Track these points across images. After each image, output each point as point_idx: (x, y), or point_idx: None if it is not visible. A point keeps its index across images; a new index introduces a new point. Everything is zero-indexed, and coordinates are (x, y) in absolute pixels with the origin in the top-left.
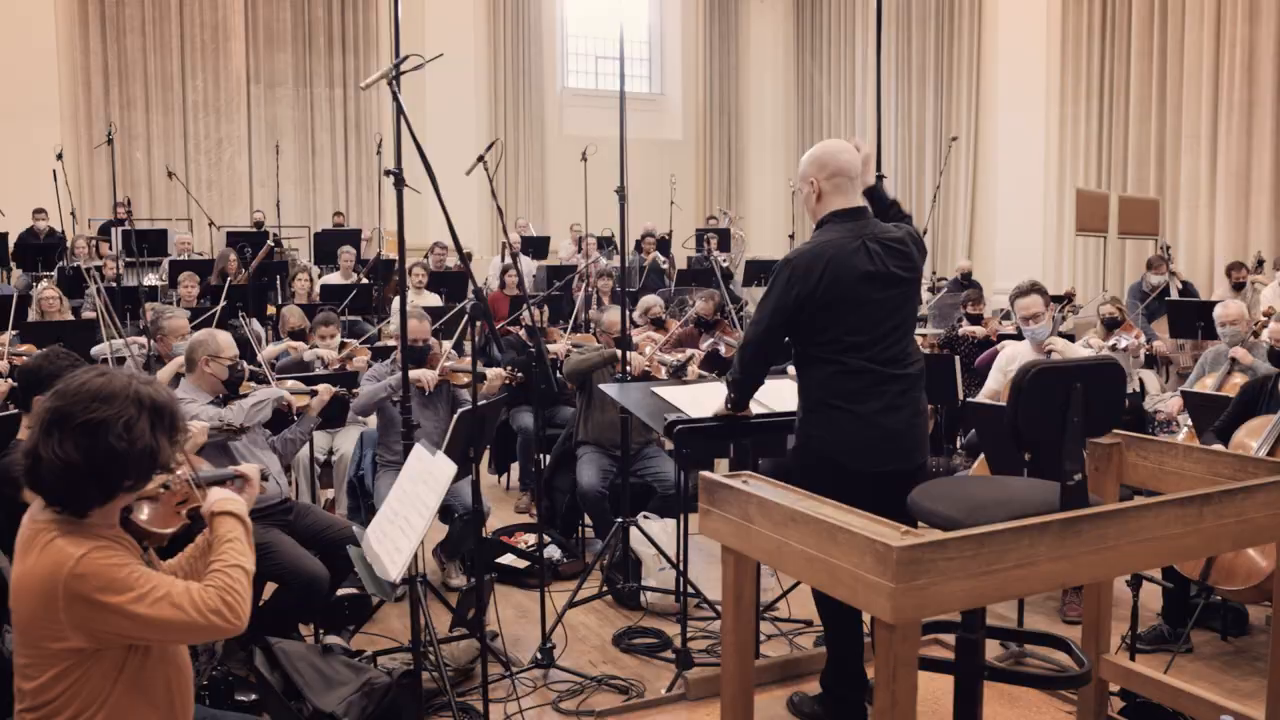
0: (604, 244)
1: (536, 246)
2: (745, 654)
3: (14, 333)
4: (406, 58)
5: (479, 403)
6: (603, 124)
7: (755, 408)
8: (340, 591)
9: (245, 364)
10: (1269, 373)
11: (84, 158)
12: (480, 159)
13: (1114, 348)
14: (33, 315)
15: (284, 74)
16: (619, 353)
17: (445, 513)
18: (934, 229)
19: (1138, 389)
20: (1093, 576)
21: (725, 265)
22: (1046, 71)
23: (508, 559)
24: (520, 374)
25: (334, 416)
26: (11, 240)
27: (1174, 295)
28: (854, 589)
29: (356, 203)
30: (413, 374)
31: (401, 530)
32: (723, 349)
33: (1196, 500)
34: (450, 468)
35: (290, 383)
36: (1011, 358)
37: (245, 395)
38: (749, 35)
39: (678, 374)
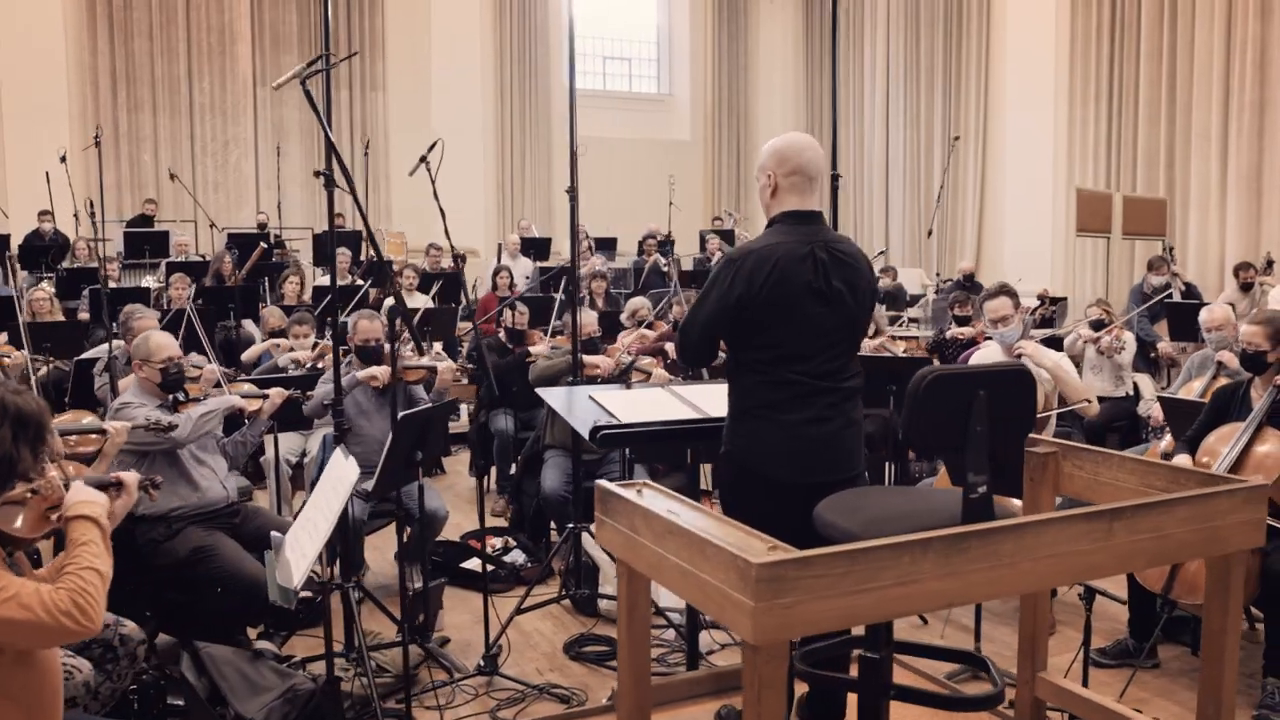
0: (602, 245)
1: (538, 248)
2: (640, 670)
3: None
4: (320, 58)
5: (427, 401)
6: (611, 125)
7: (689, 412)
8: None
9: (183, 365)
10: (1243, 378)
11: (91, 160)
12: (423, 159)
13: (1099, 351)
14: (24, 316)
15: None
16: (582, 358)
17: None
18: (941, 230)
19: (1131, 392)
20: (987, 595)
21: None
22: (1055, 72)
23: (472, 563)
24: (471, 367)
25: (294, 419)
26: (15, 241)
27: (1176, 297)
28: (722, 606)
29: (363, 203)
30: (367, 371)
31: (309, 536)
32: None
33: (1106, 514)
34: (354, 472)
35: (246, 386)
36: (984, 360)
37: (195, 399)
38: (758, 35)
39: (623, 376)
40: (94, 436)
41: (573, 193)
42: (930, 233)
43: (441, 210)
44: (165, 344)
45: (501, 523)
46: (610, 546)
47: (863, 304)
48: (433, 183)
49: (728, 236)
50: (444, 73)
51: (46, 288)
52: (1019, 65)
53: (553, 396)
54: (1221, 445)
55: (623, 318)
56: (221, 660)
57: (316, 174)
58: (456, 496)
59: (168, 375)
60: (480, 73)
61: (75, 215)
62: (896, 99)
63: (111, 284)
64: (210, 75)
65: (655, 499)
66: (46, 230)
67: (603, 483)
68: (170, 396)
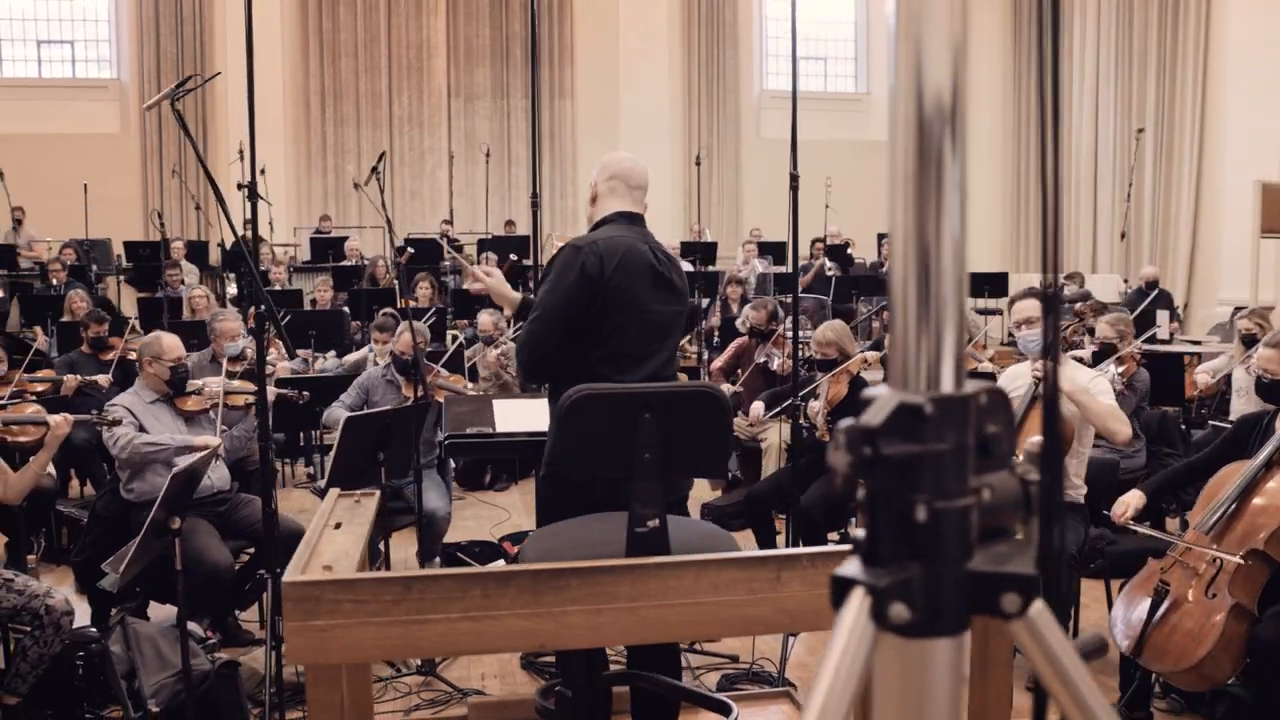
0: (772, 249)
1: (702, 252)
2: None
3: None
4: (190, 78)
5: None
6: (805, 126)
7: (525, 425)
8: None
9: (189, 364)
10: (1265, 408)
11: (302, 172)
12: (374, 169)
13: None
14: (185, 314)
15: (483, 87)
16: None
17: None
18: (1151, 231)
19: None
20: (595, 640)
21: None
22: None
23: (497, 565)
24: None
25: (299, 421)
26: (213, 247)
27: None
28: None
29: (549, 209)
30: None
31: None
32: (775, 363)
33: (774, 561)
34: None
35: (236, 382)
36: (1012, 377)
37: (194, 393)
38: None
39: None
40: (36, 427)
41: (535, 200)
42: (1123, 234)
43: (389, 221)
44: (176, 344)
45: None
46: None
47: (683, 308)
48: (381, 192)
49: None
50: (632, 78)
51: (201, 287)
52: (1242, 47)
53: (458, 404)
54: (1229, 482)
55: (738, 323)
56: (144, 636)
57: (239, 186)
58: (531, 496)
59: (176, 373)
60: (668, 77)
61: (270, 223)
62: (1106, 88)
63: (279, 286)
64: (409, 89)
65: (349, 510)
66: (249, 237)
67: (334, 491)
68: (169, 393)
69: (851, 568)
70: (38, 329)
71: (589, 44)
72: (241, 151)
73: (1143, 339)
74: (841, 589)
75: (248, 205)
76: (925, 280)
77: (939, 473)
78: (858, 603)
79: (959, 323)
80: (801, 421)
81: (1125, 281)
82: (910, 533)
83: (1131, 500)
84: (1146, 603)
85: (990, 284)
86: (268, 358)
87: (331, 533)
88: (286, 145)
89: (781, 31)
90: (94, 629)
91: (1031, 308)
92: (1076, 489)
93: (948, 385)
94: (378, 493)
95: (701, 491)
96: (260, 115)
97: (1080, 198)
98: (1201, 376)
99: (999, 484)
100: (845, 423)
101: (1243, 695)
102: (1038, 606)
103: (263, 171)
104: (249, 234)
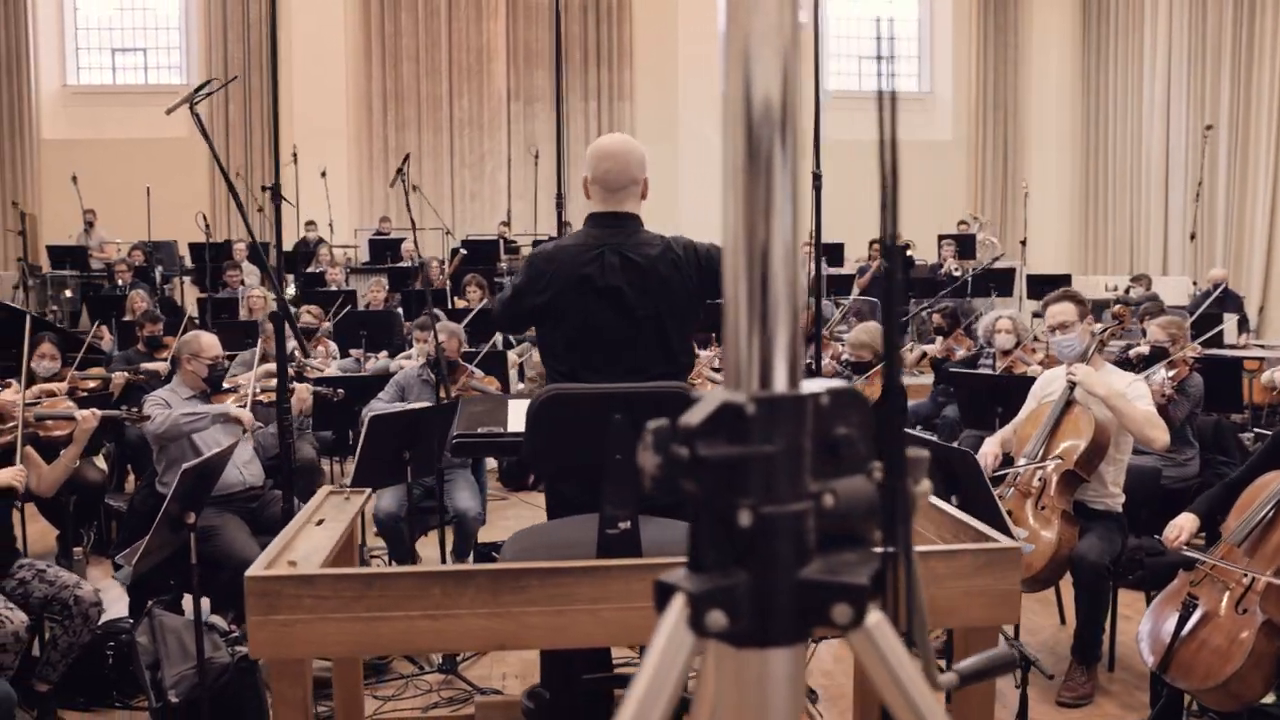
0: (825, 251)
1: None
2: (351, 707)
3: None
4: (208, 82)
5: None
6: (866, 126)
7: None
8: None
9: (226, 363)
10: None
11: (364, 175)
12: (399, 171)
13: None
14: (243, 313)
15: (542, 90)
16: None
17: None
18: (1224, 232)
19: None
20: (557, 642)
21: (958, 274)
22: None
23: None
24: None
25: (347, 417)
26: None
27: None
28: None
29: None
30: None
31: None
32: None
33: None
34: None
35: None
36: (1049, 380)
37: (231, 390)
38: (1030, 25)
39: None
40: (66, 422)
41: (560, 201)
42: (1193, 235)
43: (412, 220)
44: (214, 342)
45: None
46: None
47: (660, 312)
48: (406, 195)
49: (967, 243)
50: (691, 81)
51: (259, 287)
52: None
53: (474, 404)
54: (1264, 492)
55: None
56: (169, 628)
57: (264, 189)
58: None
59: (214, 370)
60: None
61: (330, 225)
62: (1178, 85)
63: (334, 287)
64: (469, 93)
65: (337, 507)
66: (312, 239)
67: (325, 488)
68: (206, 390)
69: (677, 574)
70: (103, 328)
71: (648, 46)
72: (295, 154)
73: (1199, 341)
74: (663, 595)
75: (310, 206)
76: (755, 279)
77: (766, 476)
78: (677, 610)
79: (794, 322)
80: None
81: (1194, 284)
82: (732, 538)
83: (1186, 525)
84: (1174, 617)
85: (1052, 286)
86: (315, 360)
87: (310, 529)
88: (348, 148)
89: (842, 31)
90: (130, 620)
91: (1065, 312)
92: (1114, 497)
93: (780, 386)
94: (368, 490)
95: None
96: (322, 118)
97: (1150, 198)
98: None
99: (847, 489)
100: (655, 422)
101: None
102: (875, 618)
103: (323, 174)
104: (310, 233)
